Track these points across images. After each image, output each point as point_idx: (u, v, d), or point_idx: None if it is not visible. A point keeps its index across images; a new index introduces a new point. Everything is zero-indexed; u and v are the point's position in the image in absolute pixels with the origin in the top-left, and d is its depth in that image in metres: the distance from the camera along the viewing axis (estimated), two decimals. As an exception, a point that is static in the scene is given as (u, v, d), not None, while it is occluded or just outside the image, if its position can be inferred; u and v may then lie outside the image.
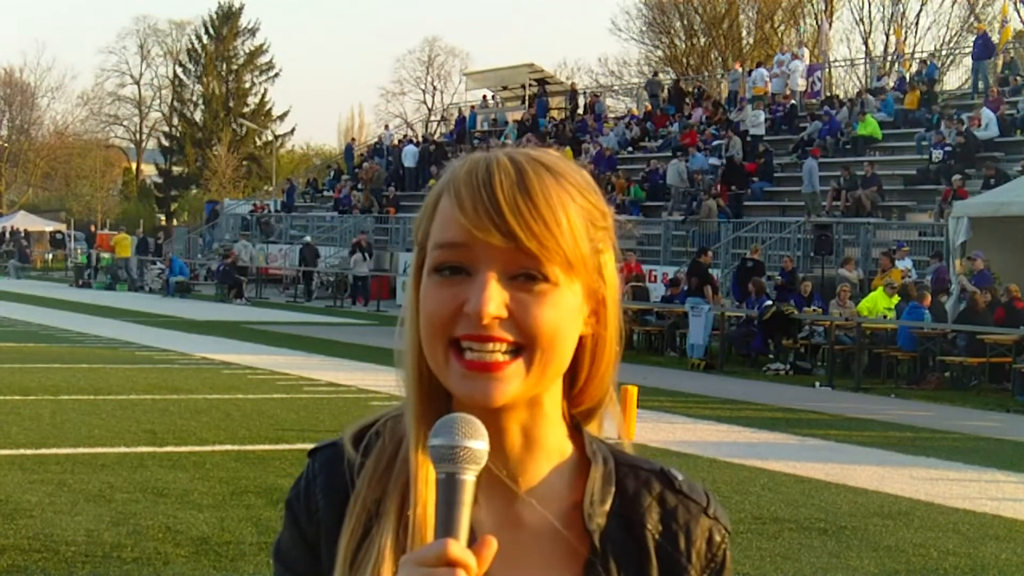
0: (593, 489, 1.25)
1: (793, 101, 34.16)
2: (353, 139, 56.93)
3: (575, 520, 1.24)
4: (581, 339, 1.23)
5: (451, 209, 1.19)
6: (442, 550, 1.06)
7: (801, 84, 34.95)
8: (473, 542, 1.09)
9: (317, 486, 1.27)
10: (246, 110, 70.55)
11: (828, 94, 37.00)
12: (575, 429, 1.29)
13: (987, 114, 27.39)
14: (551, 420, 1.25)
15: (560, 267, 1.18)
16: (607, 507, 1.25)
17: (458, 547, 1.07)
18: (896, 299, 19.46)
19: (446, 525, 1.09)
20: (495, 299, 1.16)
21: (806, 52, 39.06)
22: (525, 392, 1.19)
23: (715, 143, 32.57)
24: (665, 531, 1.27)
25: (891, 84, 33.84)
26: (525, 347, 1.17)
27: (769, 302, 20.05)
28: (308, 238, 38.15)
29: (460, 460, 1.11)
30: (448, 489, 1.10)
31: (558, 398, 1.26)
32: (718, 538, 1.29)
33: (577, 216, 1.19)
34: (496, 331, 1.16)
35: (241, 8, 71.57)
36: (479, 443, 1.12)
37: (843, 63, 47.47)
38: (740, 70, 40.30)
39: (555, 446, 1.26)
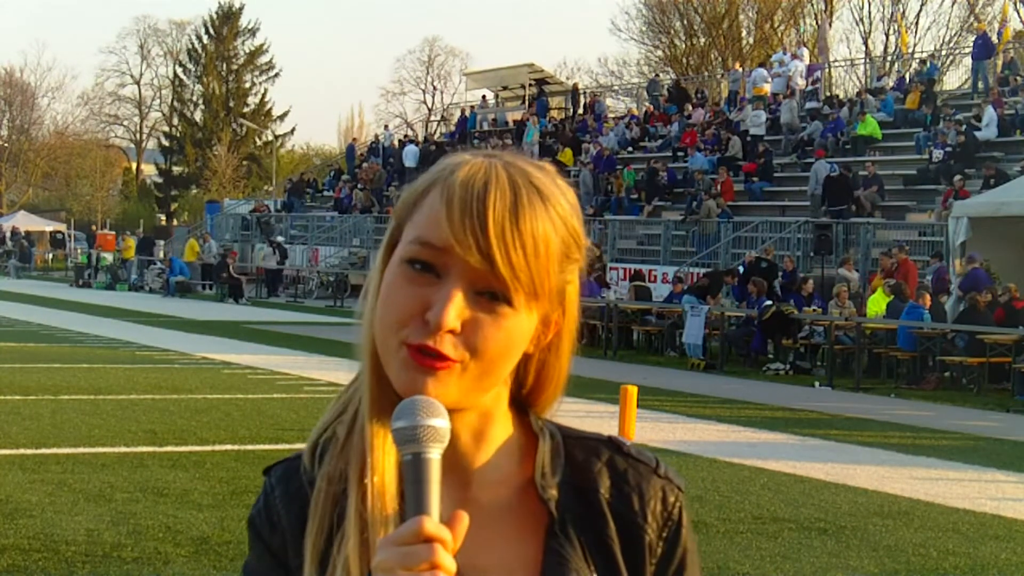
0: (543, 462, 1.29)
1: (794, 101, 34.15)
2: (355, 139, 56.91)
3: (530, 495, 1.28)
4: (526, 355, 1.26)
5: (439, 211, 1.21)
6: (417, 527, 1.09)
7: (801, 84, 34.96)
8: None
9: (276, 497, 1.30)
10: (246, 110, 70.53)
11: (828, 94, 37.00)
12: (520, 411, 1.32)
13: (989, 113, 27.39)
14: (495, 416, 1.28)
15: (525, 297, 1.20)
16: (558, 478, 1.29)
17: (432, 523, 1.10)
18: (891, 296, 19.49)
19: (417, 504, 1.12)
20: (456, 312, 1.18)
21: (806, 52, 39.09)
22: (459, 399, 1.21)
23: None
24: (618, 494, 1.30)
25: (891, 84, 33.83)
26: (464, 360, 1.20)
27: (769, 302, 20.05)
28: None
29: (424, 439, 1.13)
30: (415, 469, 1.13)
31: (504, 397, 1.29)
32: (672, 497, 1.32)
33: (557, 249, 1.22)
34: (445, 347, 1.19)
35: (241, 8, 71.61)
36: (441, 421, 1.14)
37: (843, 63, 47.48)
38: (740, 70, 40.31)
39: (501, 434, 1.29)
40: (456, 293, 1.19)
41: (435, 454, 1.13)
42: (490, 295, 1.20)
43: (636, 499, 1.30)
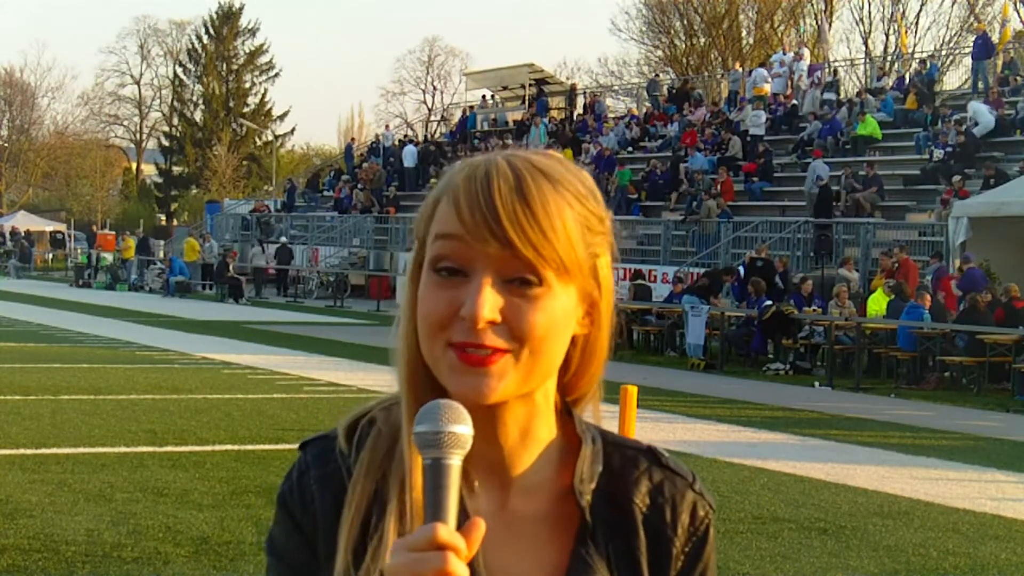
0: (583, 467, 1.29)
1: (795, 101, 34.18)
2: (353, 139, 56.90)
3: (567, 500, 1.28)
4: (574, 338, 1.27)
5: (449, 213, 1.21)
6: (431, 534, 1.09)
7: (805, 84, 34.97)
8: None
9: (311, 478, 1.29)
10: (246, 110, 70.54)
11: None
12: (565, 413, 1.32)
13: (974, 107, 27.39)
14: (543, 414, 1.28)
15: (555, 272, 1.20)
16: (594, 484, 1.29)
17: (446, 531, 1.09)
18: (891, 296, 19.50)
19: (434, 509, 1.11)
20: (489, 303, 1.18)
21: (806, 52, 39.10)
22: (516, 389, 1.21)
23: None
24: (652, 504, 1.30)
25: (891, 84, 33.84)
26: (514, 349, 1.20)
27: (769, 302, 20.05)
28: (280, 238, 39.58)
29: (445, 445, 1.13)
30: (435, 474, 1.12)
31: (551, 393, 1.29)
32: (702, 512, 1.32)
33: (573, 222, 1.22)
34: (489, 338, 1.19)
35: (241, 8, 71.62)
36: (463, 428, 1.14)
37: (843, 63, 47.48)
38: (740, 70, 40.31)
39: (546, 436, 1.29)
40: (485, 284, 1.19)
41: (455, 460, 1.13)
42: (520, 280, 1.20)
43: (669, 511, 1.31)
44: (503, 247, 1.18)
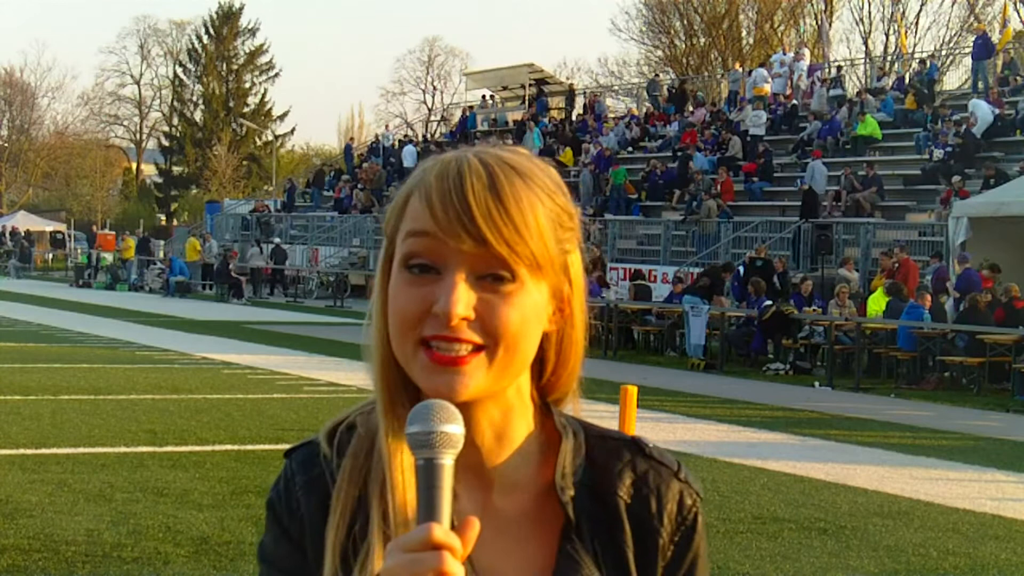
0: (564, 462, 1.28)
1: (795, 101, 34.19)
2: (352, 139, 56.90)
3: (549, 496, 1.28)
4: (548, 336, 1.26)
5: (422, 211, 1.21)
6: (426, 534, 1.08)
7: (804, 84, 34.98)
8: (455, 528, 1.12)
9: (296, 484, 1.30)
10: (246, 110, 70.53)
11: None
12: (544, 409, 1.32)
13: (975, 103, 27.39)
14: (518, 412, 1.28)
15: (528, 269, 1.20)
16: (577, 479, 1.28)
17: (441, 530, 1.09)
18: (890, 296, 19.49)
19: (428, 510, 1.11)
20: (463, 300, 1.18)
21: (807, 52, 39.13)
22: (488, 387, 1.21)
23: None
24: (636, 495, 1.29)
25: (891, 84, 33.85)
26: (488, 345, 1.20)
27: (769, 302, 20.05)
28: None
29: (437, 445, 1.13)
30: (427, 474, 1.12)
31: (525, 391, 1.29)
32: (689, 501, 1.31)
33: (545, 218, 1.22)
34: (463, 333, 1.19)
35: (241, 8, 71.62)
36: (455, 427, 1.14)
37: (843, 63, 47.47)
38: (740, 70, 40.32)
39: (523, 432, 1.29)
40: (459, 281, 1.19)
41: (448, 460, 1.13)
42: (493, 276, 1.20)
43: (654, 502, 1.30)
44: (477, 244, 1.18)
